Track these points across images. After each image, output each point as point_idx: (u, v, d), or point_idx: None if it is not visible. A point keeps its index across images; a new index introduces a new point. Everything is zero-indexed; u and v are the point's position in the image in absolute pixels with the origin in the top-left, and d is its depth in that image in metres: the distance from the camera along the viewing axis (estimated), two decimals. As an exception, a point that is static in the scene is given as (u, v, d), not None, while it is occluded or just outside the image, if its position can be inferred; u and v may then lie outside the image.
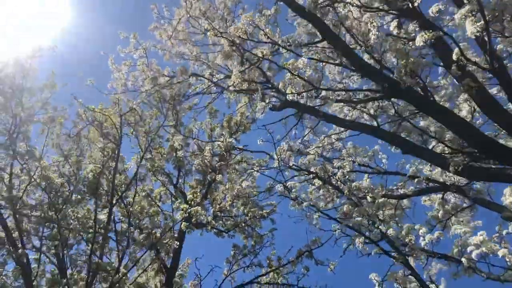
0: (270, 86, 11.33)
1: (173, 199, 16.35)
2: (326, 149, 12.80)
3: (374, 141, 14.58)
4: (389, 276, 8.08)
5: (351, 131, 13.05)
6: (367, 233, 10.61)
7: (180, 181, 17.36)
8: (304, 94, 8.72)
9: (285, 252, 15.85)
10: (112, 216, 11.40)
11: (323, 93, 8.86)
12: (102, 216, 11.26)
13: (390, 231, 8.56)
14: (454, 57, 6.49)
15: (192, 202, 10.28)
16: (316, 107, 10.86)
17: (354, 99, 9.35)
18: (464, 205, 11.36)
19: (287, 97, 8.86)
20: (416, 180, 11.52)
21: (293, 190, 10.36)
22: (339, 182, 10.31)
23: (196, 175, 17.56)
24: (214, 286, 14.71)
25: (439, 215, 11.72)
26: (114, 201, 11.32)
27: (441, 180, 11.52)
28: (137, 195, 12.55)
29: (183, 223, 10.56)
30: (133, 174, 12.17)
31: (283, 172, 10.63)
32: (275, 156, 10.41)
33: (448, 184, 11.22)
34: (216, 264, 15.39)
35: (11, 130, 13.15)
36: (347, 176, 10.23)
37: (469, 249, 8.88)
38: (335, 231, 12.52)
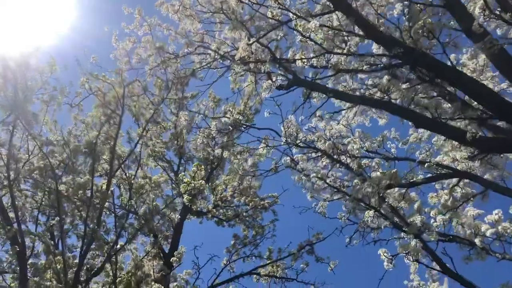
0: (277, 62, 11.06)
1: (173, 185, 15.99)
2: (334, 136, 12.41)
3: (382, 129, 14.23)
4: (401, 247, 7.63)
5: (357, 125, 12.82)
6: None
7: (180, 168, 17.02)
8: (315, 60, 8.36)
9: (285, 246, 15.51)
10: (111, 185, 11.03)
11: (334, 59, 8.50)
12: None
13: (402, 204, 8.17)
14: (477, 11, 6.14)
15: (196, 176, 9.86)
16: (325, 84, 10.59)
17: (365, 69, 8.98)
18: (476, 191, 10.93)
19: (296, 64, 8.49)
20: (426, 165, 11.09)
21: (300, 163, 9.94)
22: (348, 160, 9.88)
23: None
24: (212, 274, 14.27)
25: (449, 203, 11.28)
26: (114, 169, 10.93)
27: (453, 166, 11.13)
28: (139, 168, 12.16)
29: (186, 197, 10.15)
30: (134, 145, 11.81)
31: (291, 148, 10.23)
32: (282, 129, 10.01)
33: (460, 169, 10.84)
34: (215, 254, 14.98)
35: (13, 107, 12.92)
36: (357, 151, 9.82)
37: (483, 228, 8.47)
38: (341, 218, 12.08)
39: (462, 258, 9.12)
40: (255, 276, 14.84)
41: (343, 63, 8.43)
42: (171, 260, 11.66)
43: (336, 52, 8.40)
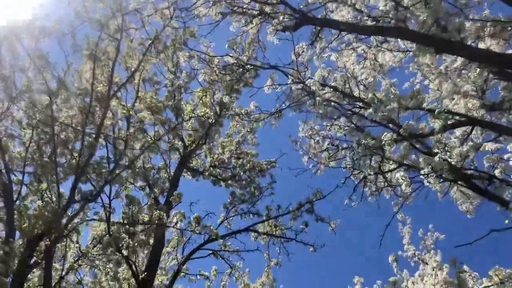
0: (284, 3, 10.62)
1: (169, 142, 15.39)
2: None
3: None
4: (425, 163, 7.14)
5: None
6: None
7: (178, 126, 16.41)
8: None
9: (285, 208, 15.06)
10: (108, 111, 10.36)
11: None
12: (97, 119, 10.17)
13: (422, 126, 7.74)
14: None
15: (202, 101, 9.26)
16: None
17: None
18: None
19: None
20: (436, 112, 10.66)
21: (311, 87, 9.42)
22: (361, 92, 9.41)
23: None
24: (209, 230, 13.66)
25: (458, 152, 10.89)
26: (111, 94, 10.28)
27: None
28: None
29: (189, 125, 9.56)
30: (133, 70, 11.13)
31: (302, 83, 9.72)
32: (292, 56, 9.52)
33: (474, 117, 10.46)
34: (212, 212, 14.44)
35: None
36: (372, 81, 9.37)
37: (506, 156, 8.09)
38: (346, 167, 11.64)
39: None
40: (253, 234, 14.32)
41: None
42: (170, 199, 11.09)
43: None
